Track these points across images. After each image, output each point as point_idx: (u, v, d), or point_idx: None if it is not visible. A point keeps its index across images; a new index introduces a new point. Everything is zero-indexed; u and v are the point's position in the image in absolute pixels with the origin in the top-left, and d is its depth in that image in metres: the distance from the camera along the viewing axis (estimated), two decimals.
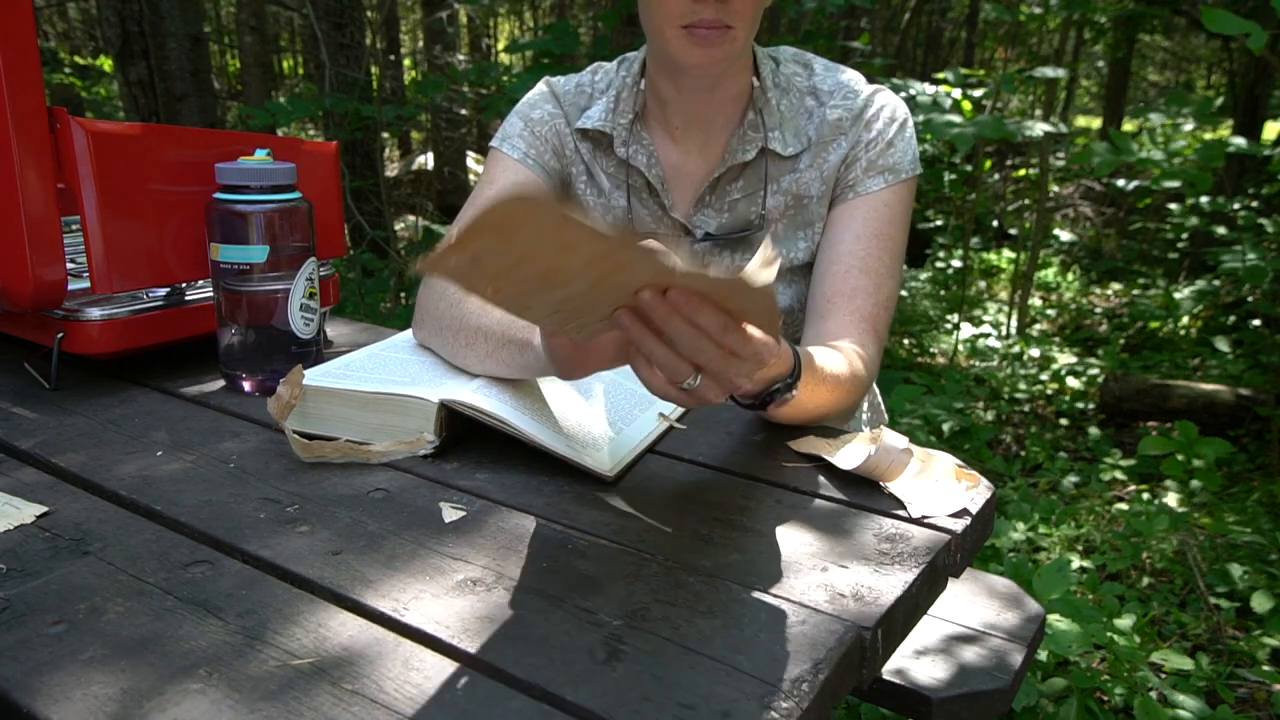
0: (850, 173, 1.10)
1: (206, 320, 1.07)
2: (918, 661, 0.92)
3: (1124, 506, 2.70)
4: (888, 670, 0.90)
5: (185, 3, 4.40)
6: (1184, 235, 5.35)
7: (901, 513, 0.73)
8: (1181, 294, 4.46)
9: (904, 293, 5.13)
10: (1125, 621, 1.87)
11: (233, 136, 1.09)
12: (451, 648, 0.55)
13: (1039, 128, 2.99)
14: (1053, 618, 1.66)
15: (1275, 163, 4.54)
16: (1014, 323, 4.60)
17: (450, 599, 0.60)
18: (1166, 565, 2.35)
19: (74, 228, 0.99)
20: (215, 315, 0.99)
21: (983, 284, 5.87)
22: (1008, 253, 6.31)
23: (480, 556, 0.66)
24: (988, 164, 5.83)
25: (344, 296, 3.63)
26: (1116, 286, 5.74)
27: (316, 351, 1.02)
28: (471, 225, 0.49)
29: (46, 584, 0.62)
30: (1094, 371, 3.95)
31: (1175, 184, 2.96)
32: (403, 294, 4.17)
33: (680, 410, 0.93)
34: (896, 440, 0.77)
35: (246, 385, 1.00)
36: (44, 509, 0.72)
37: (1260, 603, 2.08)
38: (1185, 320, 4.58)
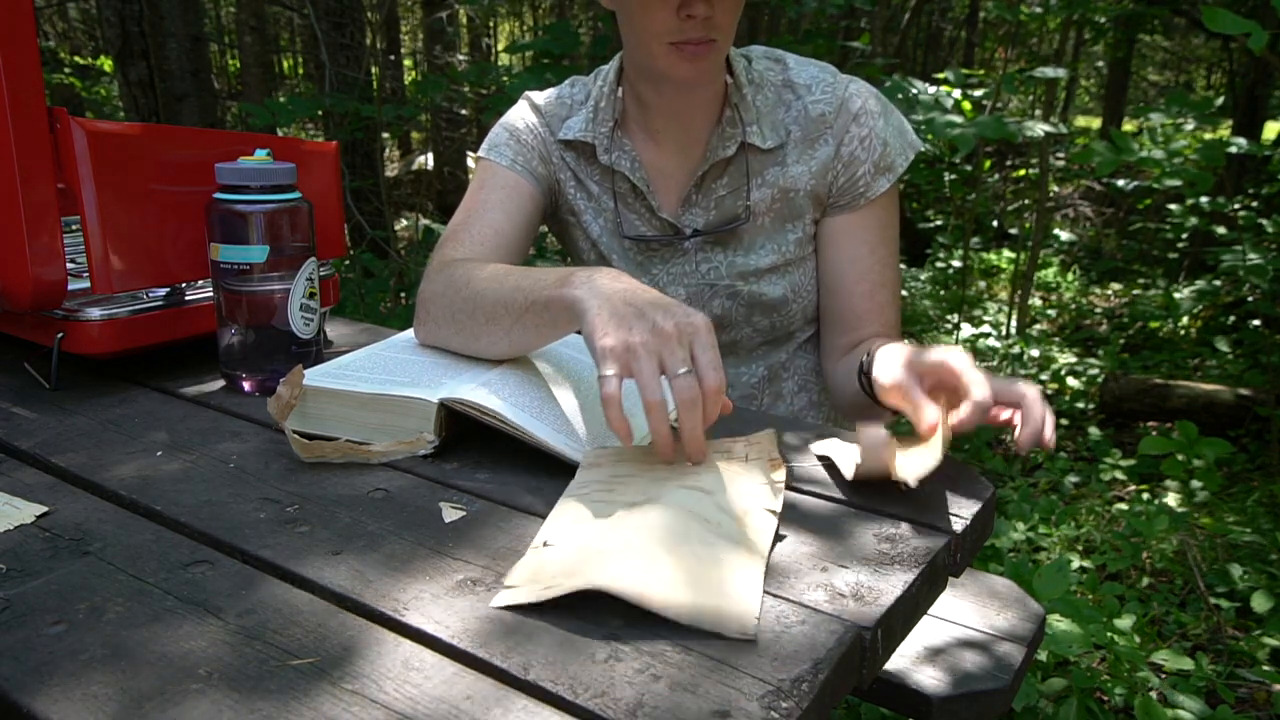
0: (855, 176, 1.13)
1: (206, 320, 1.07)
2: (918, 661, 0.92)
3: (1124, 506, 2.70)
4: (888, 670, 0.90)
5: (185, 3, 4.40)
6: (1184, 235, 5.34)
7: (901, 513, 0.73)
8: (1181, 294, 4.46)
9: (904, 292, 5.12)
10: (1125, 621, 1.86)
11: (233, 136, 1.09)
12: (451, 648, 0.55)
13: (1039, 128, 2.99)
14: (1053, 618, 1.66)
15: (1275, 163, 4.54)
16: (1014, 323, 4.60)
17: (450, 599, 0.60)
18: (1166, 565, 2.35)
19: (74, 228, 0.99)
20: (215, 315, 0.99)
21: (983, 284, 5.87)
22: (1008, 253, 6.31)
23: (480, 556, 0.66)
24: (988, 164, 5.82)
25: (344, 296, 3.62)
26: (1116, 286, 5.74)
27: (316, 351, 1.02)
28: None
29: (46, 584, 0.62)
30: (1094, 371, 3.95)
31: (1176, 184, 2.96)
32: (403, 294, 4.17)
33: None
34: (879, 431, 0.75)
35: (246, 385, 1.00)
36: (44, 509, 0.72)
37: (1260, 603, 2.08)
38: (1185, 320, 4.58)
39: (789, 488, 0.77)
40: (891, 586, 0.62)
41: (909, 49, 8.15)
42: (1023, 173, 6.51)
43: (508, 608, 0.59)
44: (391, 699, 0.50)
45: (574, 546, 0.64)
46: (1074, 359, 4.21)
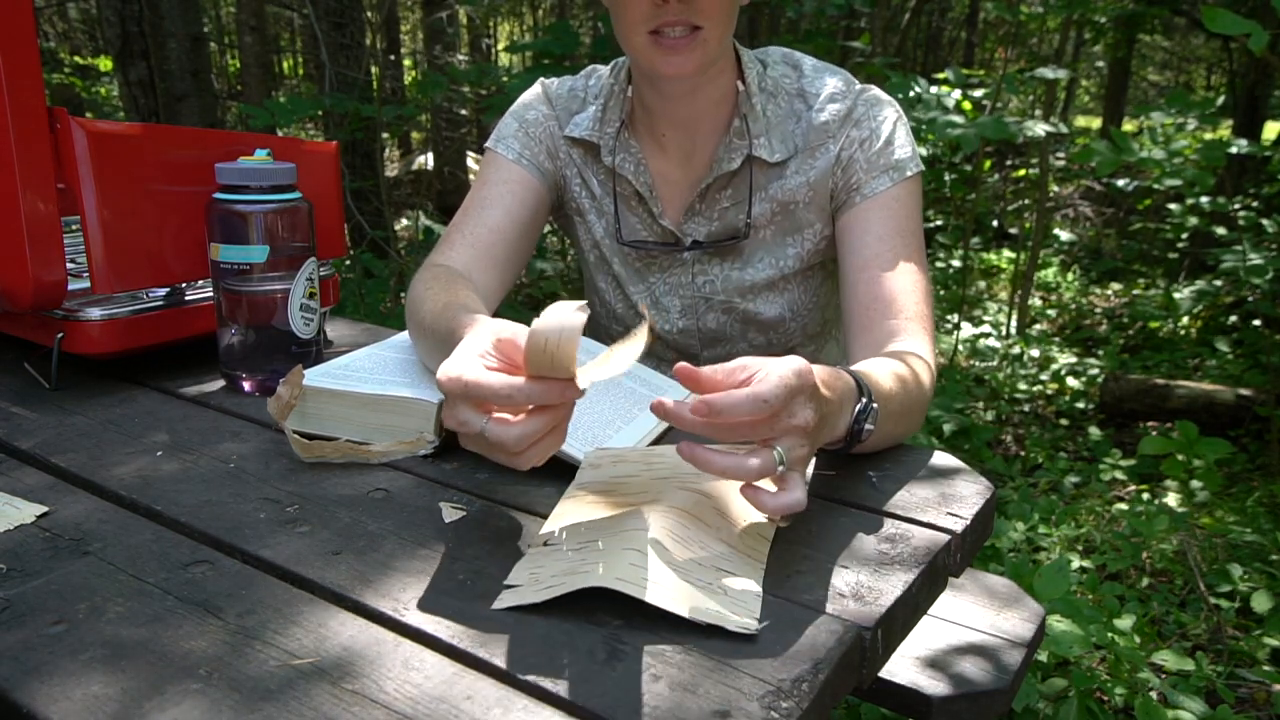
0: (850, 176, 1.07)
1: (206, 320, 1.07)
2: (918, 661, 0.92)
3: (1124, 506, 2.70)
4: (888, 670, 0.90)
5: (185, 3, 4.40)
6: (1184, 235, 5.34)
7: (901, 513, 0.73)
8: (1181, 294, 4.45)
9: None
10: (1125, 622, 1.86)
11: (233, 136, 1.09)
12: (451, 648, 0.55)
13: (1039, 128, 2.99)
14: (1053, 618, 1.66)
15: (1275, 163, 4.54)
16: (1014, 323, 4.60)
17: (450, 599, 0.60)
18: (1166, 565, 2.35)
19: (74, 228, 0.99)
20: (215, 315, 0.99)
21: (983, 284, 5.87)
22: (1008, 253, 6.31)
23: (480, 557, 0.66)
24: (988, 164, 5.83)
25: (344, 296, 3.62)
26: (1116, 286, 5.74)
27: (316, 351, 1.02)
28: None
29: (46, 584, 0.62)
30: (1094, 371, 3.95)
31: (1176, 184, 2.96)
32: (402, 294, 4.17)
33: None
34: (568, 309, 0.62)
35: (246, 385, 1.00)
36: (44, 509, 0.72)
37: (1260, 603, 2.08)
38: (1185, 320, 4.58)
39: None
40: (891, 587, 0.62)
41: (909, 49, 8.14)
42: (1023, 173, 6.51)
43: (508, 608, 0.59)
44: (391, 699, 0.50)
45: (574, 546, 0.64)
46: (1074, 359, 4.21)
